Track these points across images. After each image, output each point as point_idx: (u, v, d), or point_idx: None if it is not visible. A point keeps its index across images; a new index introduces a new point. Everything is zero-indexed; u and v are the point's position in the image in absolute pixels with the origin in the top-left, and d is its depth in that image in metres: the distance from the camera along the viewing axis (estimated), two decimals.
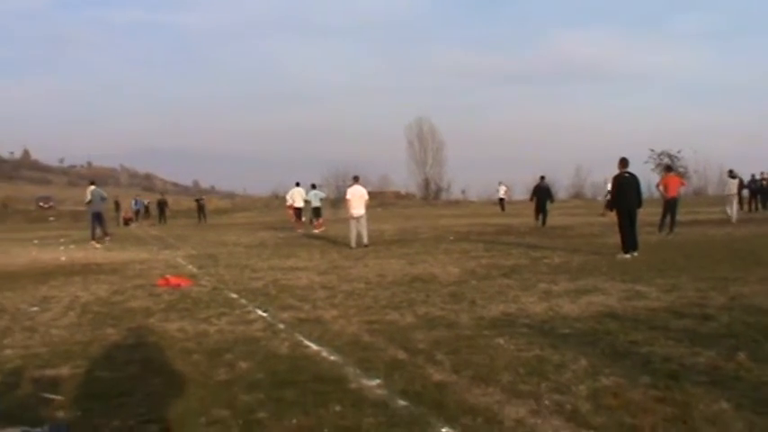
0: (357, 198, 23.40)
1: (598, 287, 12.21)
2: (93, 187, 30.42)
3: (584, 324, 9.05)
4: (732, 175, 32.85)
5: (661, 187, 25.36)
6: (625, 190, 17.76)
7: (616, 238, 18.37)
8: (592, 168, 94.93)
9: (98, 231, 30.02)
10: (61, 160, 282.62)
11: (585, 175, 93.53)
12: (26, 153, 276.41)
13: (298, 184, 38.10)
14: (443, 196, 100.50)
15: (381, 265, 17.00)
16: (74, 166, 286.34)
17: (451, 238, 26.08)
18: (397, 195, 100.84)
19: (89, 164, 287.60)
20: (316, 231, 32.28)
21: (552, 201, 34.25)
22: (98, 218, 30.36)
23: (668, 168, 28.77)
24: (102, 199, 30.63)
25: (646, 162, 72.13)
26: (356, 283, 13.84)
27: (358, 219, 23.21)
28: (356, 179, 24.76)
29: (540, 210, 32.29)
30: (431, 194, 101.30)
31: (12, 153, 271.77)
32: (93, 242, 29.36)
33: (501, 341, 8.17)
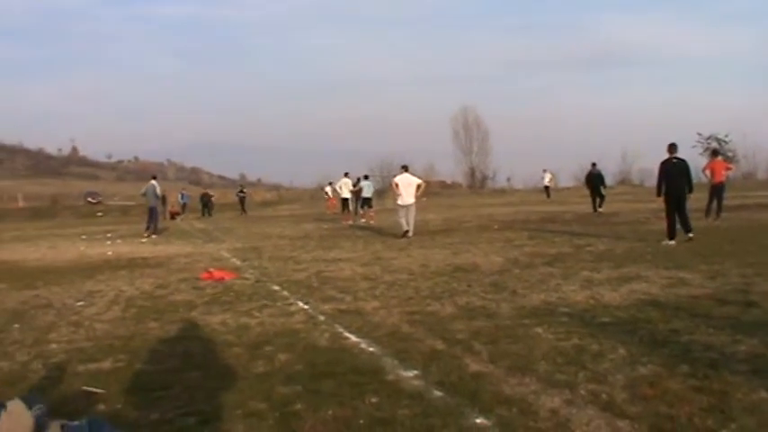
0: (406, 186, 23.18)
1: (641, 275, 12.11)
2: (151, 182, 30.96)
3: (625, 312, 8.99)
4: None
5: (707, 172, 25.04)
6: (672, 175, 17.45)
7: (661, 225, 18.23)
8: (638, 154, 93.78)
9: (151, 226, 30.74)
10: (109, 156, 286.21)
11: (632, 161, 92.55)
12: (74, 149, 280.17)
13: (346, 175, 38.14)
14: (489, 185, 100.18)
15: (425, 255, 16.99)
16: (121, 162, 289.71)
17: (496, 226, 25.99)
18: (443, 185, 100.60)
19: (136, 159, 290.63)
20: (367, 222, 32.21)
21: (605, 186, 34.06)
22: (151, 212, 30.93)
23: (714, 153, 28.41)
24: (156, 196, 31.07)
25: (693, 146, 71.02)
26: (398, 274, 13.85)
27: (407, 207, 23.06)
28: (405, 168, 24.30)
29: (596, 195, 32.56)
30: (476, 183, 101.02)
31: (60, 150, 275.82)
32: (145, 234, 30.15)
33: (540, 330, 8.14)
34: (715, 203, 23.96)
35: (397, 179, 23.76)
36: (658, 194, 17.61)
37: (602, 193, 32.87)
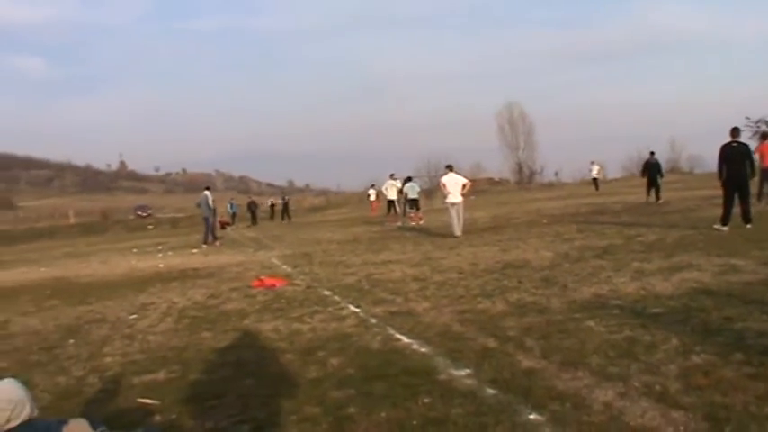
0: (453, 185, 23.26)
1: (692, 263, 11.98)
2: (205, 193, 31.45)
3: (677, 302, 8.92)
4: None
5: (756, 155, 24.58)
6: (733, 160, 16.99)
7: (714, 212, 18.02)
8: (687, 142, 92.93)
9: (209, 236, 31.44)
10: (157, 169, 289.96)
11: (680, 149, 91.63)
12: (122, 164, 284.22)
13: (392, 176, 38.15)
14: (537, 180, 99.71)
15: (474, 254, 16.97)
16: (169, 174, 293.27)
17: (545, 221, 25.84)
18: (491, 182, 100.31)
19: (184, 170, 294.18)
20: (414, 224, 32.07)
21: (662, 175, 33.75)
22: (205, 222, 31.56)
23: (764, 136, 27.93)
24: (209, 207, 31.48)
25: (742, 130, 70.05)
26: (448, 274, 13.85)
27: (456, 205, 23.04)
28: (450, 168, 24.38)
29: (653, 184, 32.22)
30: (524, 179, 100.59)
31: (109, 165, 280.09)
32: (215, 243, 30.99)
33: (591, 324, 8.11)
34: (766, 188, 23.56)
35: (444, 179, 23.83)
36: (720, 178, 17.25)
37: (659, 183, 32.51)
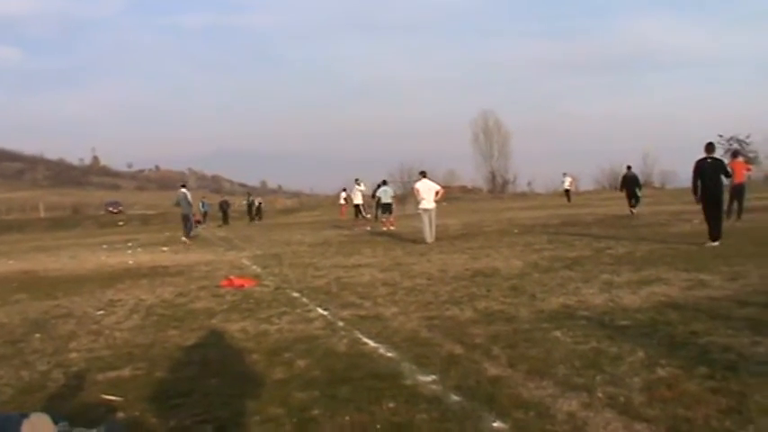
0: (426, 191, 23.29)
1: (661, 277, 12.06)
2: (181, 190, 31.76)
3: (644, 315, 8.96)
4: None
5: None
6: (708, 175, 17.11)
7: (682, 227, 18.17)
8: (659, 156, 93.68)
9: (188, 231, 32.49)
10: (129, 165, 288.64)
11: (653, 163, 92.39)
12: (95, 159, 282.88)
13: (357, 181, 38.15)
14: (510, 189, 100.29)
15: (444, 261, 17.00)
16: (142, 171, 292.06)
17: (516, 231, 25.94)
18: (464, 189, 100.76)
19: (157, 167, 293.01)
20: (385, 228, 32.07)
21: (640, 188, 34.55)
22: (184, 219, 32.27)
23: (735, 154, 28.23)
24: (188, 204, 32.00)
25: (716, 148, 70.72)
26: (418, 279, 13.86)
27: (429, 212, 23.14)
28: (423, 174, 24.54)
29: (632, 197, 32.82)
30: (497, 188, 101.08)
31: (81, 159, 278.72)
32: (185, 239, 31.54)
33: (558, 334, 8.14)
34: (735, 204, 23.84)
35: (418, 185, 23.91)
36: (694, 193, 17.39)
37: (638, 195, 33.23)
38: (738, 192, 23.92)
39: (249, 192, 70.42)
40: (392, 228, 31.92)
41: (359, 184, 38.02)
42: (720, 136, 74.40)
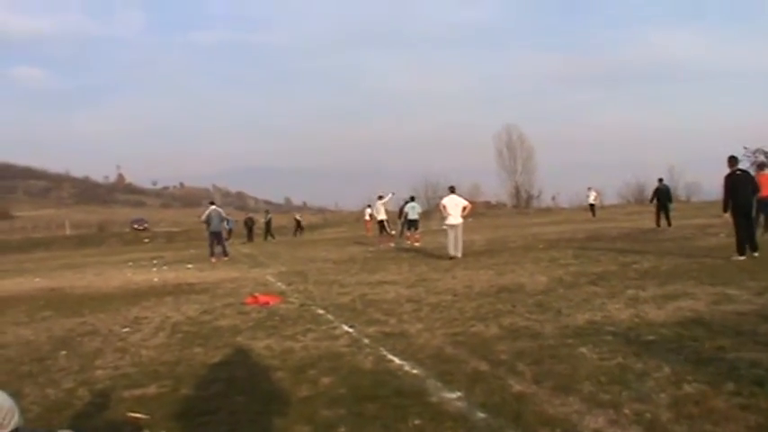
0: (453, 207, 23.42)
1: (687, 292, 11.99)
2: (212, 207, 31.73)
3: (670, 330, 8.91)
4: None
5: None
6: (739, 188, 17.01)
7: (708, 241, 18.04)
8: (685, 169, 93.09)
9: (218, 249, 31.63)
10: (154, 182, 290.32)
11: (678, 177, 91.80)
12: (120, 177, 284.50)
13: (380, 197, 38.08)
14: (534, 204, 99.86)
15: (469, 277, 16.97)
16: (167, 188, 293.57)
17: (541, 246, 25.84)
18: (488, 205, 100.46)
19: (181, 185, 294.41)
20: (412, 244, 32.06)
21: (671, 201, 34.43)
22: (217, 237, 31.98)
23: (761, 166, 27.96)
24: (222, 219, 31.95)
25: (740, 160, 70.00)
26: (443, 296, 13.85)
27: (455, 227, 23.21)
28: (452, 189, 24.65)
29: (662, 211, 32.72)
30: (521, 203, 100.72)
31: (106, 177, 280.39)
32: (212, 259, 30.79)
33: (584, 350, 8.11)
34: (762, 218, 23.62)
35: (445, 201, 24.00)
36: (725, 210, 17.29)
37: (669, 208, 33.07)
38: (765, 205, 23.69)
39: (268, 209, 69.89)
40: (417, 244, 31.91)
41: (381, 199, 37.95)
42: (746, 148, 73.19)
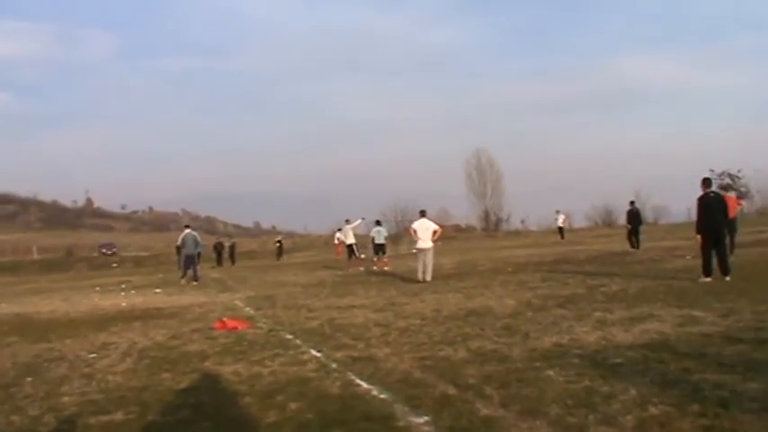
0: (423, 231, 23.70)
1: (653, 314, 12.08)
2: (186, 231, 31.72)
3: (637, 353, 8.96)
4: None
5: None
6: (712, 211, 17.22)
7: (675, 263, 18.16)
8: (651, 192, 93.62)
9: (189, 272, 31.79)
10: (123, 207, 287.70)
11: (646, 199, 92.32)
12: (89, 201, 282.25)
13: (347, 221, 38.05)
14: (503, 227, 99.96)
15: (438, 300, 17.00)
16: (136, 212, 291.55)
17: (509, 269, 25.96)
18: (457, 228, 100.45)
19: (150, 209, 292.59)
20: (381, 269, 32.06)
21: (642, 223, 35.37)
22: (191, 260, 32.15)
23: (725, 188, 28.33)
24: (197, 243, 32.13)
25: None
26: (411, 320, 13.85)
27: (425, 251, 23.43)
28: (423, 213, 25.03)
29: (633, 233, 33.48)
30: (491, 226, 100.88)
31: (75, 201, 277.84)
32: (182, 280, 31.22)
33: (551, 373, 8.13)
34: (727, 239, 23.91)
35: (415, 224, 24.35)
36: (698, 231, 17.47)
37: (640, 230, 33.93)
38: (730, 227, 23.93)
39: (231, 234, 67.55)
40: (386, 268, 31.93)
41: (349, 223, 37.89)
42: (712, 171, 74.26)
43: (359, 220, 38.90)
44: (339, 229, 47.51)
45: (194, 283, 30.74)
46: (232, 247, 57.53)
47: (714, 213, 17.17)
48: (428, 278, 22.97)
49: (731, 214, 23.83)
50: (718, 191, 17.78)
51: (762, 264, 20.32)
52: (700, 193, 17.34)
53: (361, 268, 33.39)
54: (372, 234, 35.02)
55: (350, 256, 36.50)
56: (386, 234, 35.24)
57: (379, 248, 33.91)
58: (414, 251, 24.28)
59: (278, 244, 63.57)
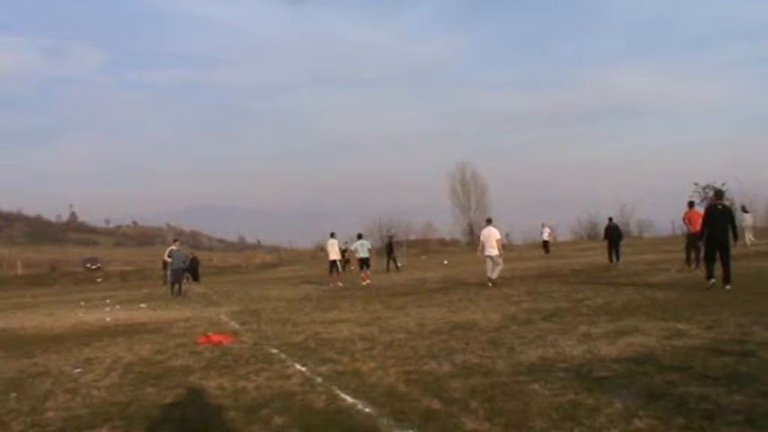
0: (488, 238, 25.36)
1: (638, 327, 12.11)
2: (173, 247, 31.88)
3: (622, 366, 8.98)
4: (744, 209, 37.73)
5: (685, 221, 25.49)
6: (715, 220, 17.75)
7: (659, 276, 18.23)
8: (636, 206, 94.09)
9: (176, 287, 32.26)
10: (107, 221, 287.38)
11: (630, 213, 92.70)
12: (73, 215, 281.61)
13: (333, 235, 37.57)
14: None
15: (423, 314, 16.99)
16: (120, 227, 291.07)
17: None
18: (442, 242, 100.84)
19: (135, 223, 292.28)
20: (363, 283, 32.11)
21: (621, 238, 36.09)
22: (178, 275, 32.80)
23: (691, 204, 28.17)
24: (183, 262, 32.85)
25: (690, 196, 70.69)
26: (396, 334, 13.83)
27: (492, 257, 25.02)
28: (489, 221, 27.06)
29: (614, 248, 34.26)
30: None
31: (59, 216, 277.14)
32: (171, 295, 31.70)
33: (536, 387, 8.12)
34: (694, 253, 24.38)
35: (483, 232, 26.41)
36: (700, 238, 18.37)
37: (619, 244, 34.73)
38: (695, 240, 23.95)
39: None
40: (366, 282, 31.91)
41: (335, 238, 37.46)
42: (696, 184, 74.44)
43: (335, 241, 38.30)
44: (345, 242, 46.99)
45: (179, 297, 30.71)
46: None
47: (718, 223, 17.68)
48: (494, 276, 24.83)
49: (695, 228, 23.78)
50: (726, 204, 18.27)
51: (744, 276, 20.36)
52: (701, 204, 17.95)
53: (339, 283, 32.90)
54: (355, 247, 35.07)
55: (330, 271, 35.92)
56: (369, 247, 35.22)
57: (363, 262, 33.83)
58: (483, 256, 25.63)
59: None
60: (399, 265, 47.19)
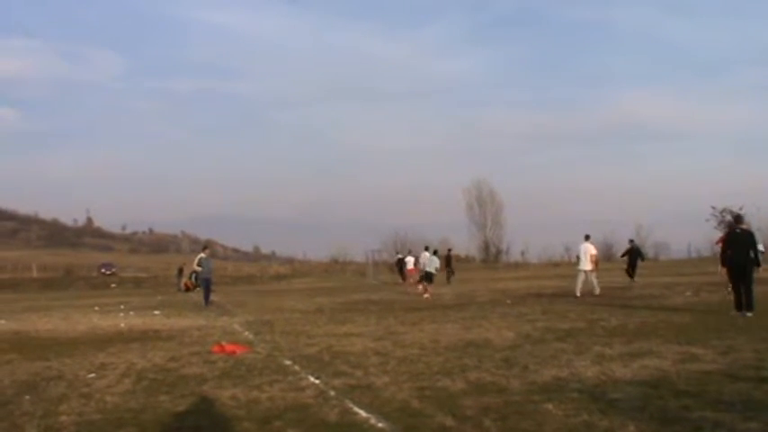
0: (584, 253, 26.62)
1: (653, 350, 12.06)
2: (202, 254, 31.56)
3: (636, 388, 8.94)
4: None
5: (718, 246, 25.23)
6: (735, 245, 17.56)
7: (675, 300, 18.15)
8: (653, 228, 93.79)
9: (210, 298, 31.79)
10: (123, 227, 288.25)
11: (646, 235, 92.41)
12: (89, 220, 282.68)
13: (426, 249, 37.83)
14: (503, 258, 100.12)
15: (437, 330, 16.97)
16: (135, 233, 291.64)
17: (509, 301, 25.97)
18: (457, 258, 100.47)
19: (150, 230, 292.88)
20: (424, 296, 31.91)
21: (643, 259, 38.57)
22: (205, 283, 32.33)
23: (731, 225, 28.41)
24: (210, 270, 32.41)
25: (707, 220, 70.45)
26: (410, 349, 13.81)
27: (586, 272, 26.37)
28: (587, 237, 27.57)
29: (632, 267, 35.80)
30: (490, 257, 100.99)
31: (75, 221, 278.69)
32: (207, 305, 30.89)
33: (550, 406, 8.10)
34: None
35: (581, 247, 27.27)
36: (723, 264, 17.96)
37: (638, 265, 36.43)
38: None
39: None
40: (426, 296, 31.71)
41: (427, 250, 37.37)
42: (713, 208, 74.12)
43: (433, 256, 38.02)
44: (410, 251, 47.29)
45: (211, 305, 30.74)
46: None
47: (738, 248, 17.47)
48: (596, 293, 26.08)
49: None
50: (746, 229, 18.07)
51: (762, 301, 20.23)
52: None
53: (427, 295, 32.48)
54: (423, 261, 35.30)
55: (420, 280, 35.57)
56: (437, 265, 34.92)
57: (428, 277, 33.81)
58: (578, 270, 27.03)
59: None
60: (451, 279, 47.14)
